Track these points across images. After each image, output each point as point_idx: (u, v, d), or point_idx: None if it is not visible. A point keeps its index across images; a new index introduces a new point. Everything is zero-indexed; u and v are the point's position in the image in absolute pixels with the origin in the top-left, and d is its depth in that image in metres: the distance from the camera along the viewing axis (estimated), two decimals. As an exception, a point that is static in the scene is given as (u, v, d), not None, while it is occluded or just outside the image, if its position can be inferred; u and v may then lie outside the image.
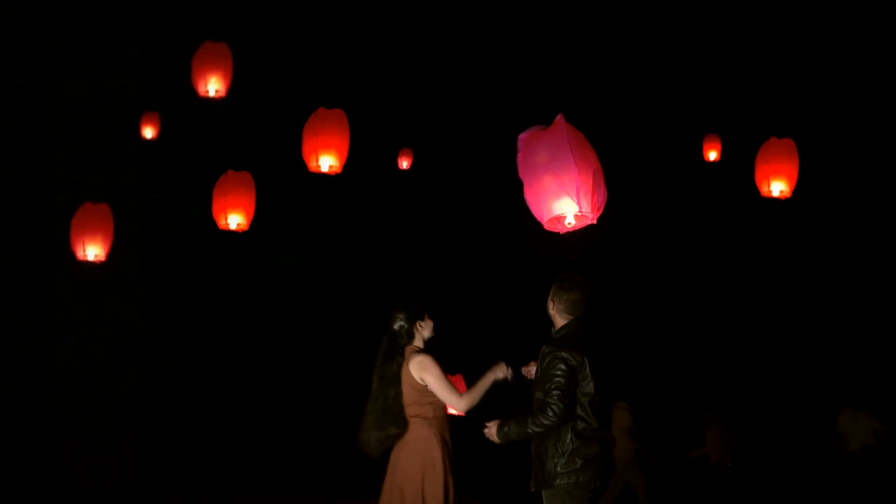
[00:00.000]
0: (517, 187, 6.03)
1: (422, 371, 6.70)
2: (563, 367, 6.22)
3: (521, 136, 5.93)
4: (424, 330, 6.91)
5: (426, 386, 6.73)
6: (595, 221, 5.93)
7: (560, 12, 15.47)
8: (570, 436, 6.23)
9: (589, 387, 6.26)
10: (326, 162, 8.83)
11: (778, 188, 9.52)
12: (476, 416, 6.92)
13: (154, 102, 12.29)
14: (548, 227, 6.11)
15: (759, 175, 9.62)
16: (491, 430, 6.46)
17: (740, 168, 11.48)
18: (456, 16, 15.65)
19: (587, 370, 6.25)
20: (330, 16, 15.95)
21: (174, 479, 15.89)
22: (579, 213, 5.81)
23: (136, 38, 14.16)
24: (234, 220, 9.46)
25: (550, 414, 6.17)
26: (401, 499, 6.70)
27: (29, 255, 14.54)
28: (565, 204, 5.72)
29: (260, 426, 17.11)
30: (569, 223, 6.01)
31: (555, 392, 6.20)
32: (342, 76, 15.37)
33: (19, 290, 14.77)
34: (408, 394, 6.78)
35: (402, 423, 6.73)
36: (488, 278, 16.55)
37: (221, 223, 9.49)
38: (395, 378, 6.75)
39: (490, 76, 16.38)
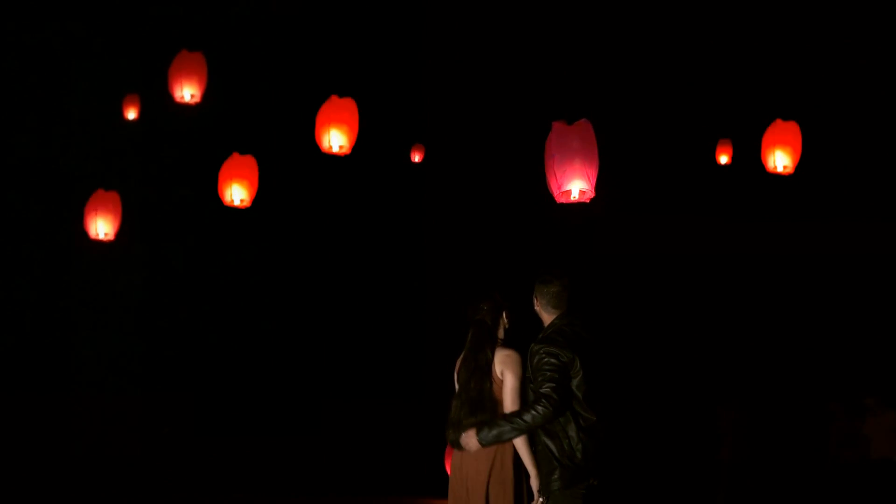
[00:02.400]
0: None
1: (504, 366, 6.17)
2: (553, 360, 5.94)
3: (555, 123, 6.96)
4: (507, 321, 6.42)
5: (503, 381, 6.21)
6: (588, 201, 7.08)
7: (564, 12, 15.12)
8: (576, 434, 5.93)
9: (582, 382, 5.98)
10: (337, 142, 9.19)
11: (782, 163, 9.85)
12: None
13: (157, 100, 12.34)
14: (557, 195, 7.08)
15: (765, 152, 9.97)
16: (468, 439, 6.05)
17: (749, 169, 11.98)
18: (464, 13, 15.36)
19: (578, 366, 5.98)
20: (341, 11, 15.81)
21: (173, 440, 16.34)
22: (585, 191, 6.97)
23: (142, 37, 14.59)
24: (238, 196, 9.66)
25: (545, 403, 5.83)
26: (466, 498, 6.19)
27: (48, 235, 15.80)
28: (581, 182, 6.93)
29: (255, 402, 17.21)
30: (574, 197, 7.04)
31: (548, 384, 5.89)
32: (354, 71, 15.25)
33: (39, 265, 15.98)
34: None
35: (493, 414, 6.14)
36: (485, 272, 16.25)
37: (227, 199, 9.72)
38: (487, 368, 6.18)
39: (495, 77, 16.13)
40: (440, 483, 12.77)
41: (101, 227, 10.77)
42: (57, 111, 15.60)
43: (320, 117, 9.28)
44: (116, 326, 16.38)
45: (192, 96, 9.60)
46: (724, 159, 14.09)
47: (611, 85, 15.80)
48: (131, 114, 13.11)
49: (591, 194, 7.01)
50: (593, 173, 6.94)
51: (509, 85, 15.99)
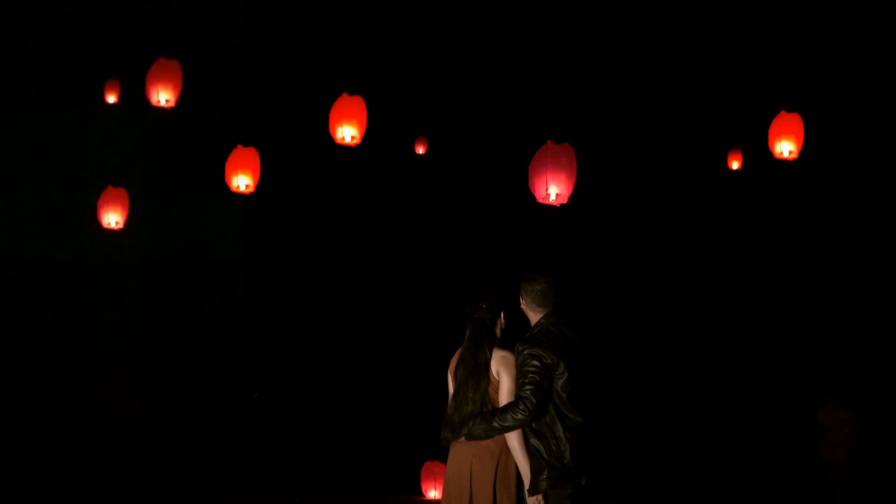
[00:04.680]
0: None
1: (501, 367, 5.76)
2: (536, 363, 5.65)
3: (549, 141, 8.24)
4: (504, 321, 6.02)
5: (499, 382, 5.83)
6: (558, 205, 8.40)
7: (559, 20, 14.83)
8: (563, 434, 5.65)
9: (567, 383, 5.68)
10: (349, 133, 9.78)
11: (787, 149, 10.27)
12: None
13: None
14: (541, 196, 8.33)
15: (771, 140, 10.42)
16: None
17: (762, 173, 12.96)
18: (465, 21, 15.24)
19: (562, 368, 5.68)
20: (347, 15, 15.96)
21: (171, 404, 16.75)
22: (561, 195, 8.29)
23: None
24: (243, 182, 10.16)
25: (522, 407, 5.57)
26: (468, 498, 5.76)
27: (67, 221, 16.73)
28: (561, 189, 8.25)
29: (255, 380, 17.46)
30: (551, 200, 8.30)
31: (528, 387, 5.60)
32: (359, 70, 15.31)
33: (58, 245, 16.87)
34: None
35: None
36: (476, 259, 16.02)
37: (233, 186, 10.24)
38: (486, 368, 5.77)
39: (491, 81, 16.00)
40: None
41: (112, 217, 11.53)
42: (73, 122, 16.56)
43: (333, 112, 9.83)
44: (123, 300, 17.30)
45: (168, 101, 9.95)
46: (735, 165, 14.44)
47: (610, 89, 15.55)
48: (111, 98, 13.68)
49: (564, 200, 8.30)
50: (571, 184, 8.25)
51: (505, 90, 15.93)
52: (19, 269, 16.55)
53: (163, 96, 9.77)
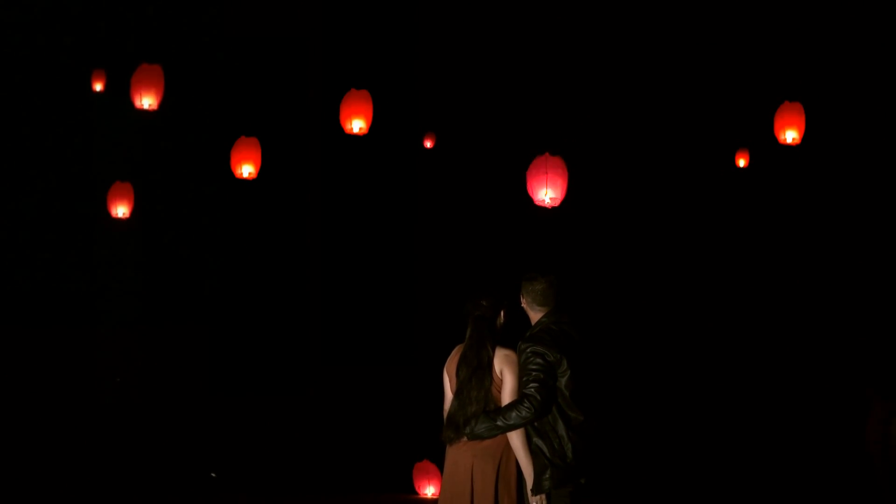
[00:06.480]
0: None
1: (504, 365, 5.52)
2: (540, 360, 5.47)
3: (547, 153, 9.31)
4: (503, 318, 5.78)
5: (502, 380, 5.61)
6: (550, 207, 9.43)
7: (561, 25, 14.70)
8: (566, 433, 5.50)
9: (570, 381, 5.53)
10: (357, 125, 10.45)
11: (791, 137, 10.67)
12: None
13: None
14: (539, 199, 9.35)
15: (777, 127, 10.87)
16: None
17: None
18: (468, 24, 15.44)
19: (566, 365, 5.52)
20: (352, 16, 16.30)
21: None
22: (555, 199, 9.32)
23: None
24: (246, 170, 10.76)
25: (527, 405, 5.38)
26: (468, 499, 5.55)
27: (79, 211, 17.54)
28: (556, 192, 9.30)
29: (253, 364, 17.27)
30: (547, 203, 9.35)
31: (533, 384, 5.43)
32: (364, 67, 15.38)
33: (71, 233, 17.73)
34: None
35: None
36: (475, 251, 16.02)
37: (237, 173, 10.89)
38: (489, 366, 5.52)
39: (494, 84, 15.94)
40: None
41: (120, 209, 12.47)
42: (83, 125, 17.29)
43: (343, 106, 10.50)
44: (130, 278, 17.86)
45: (150, 105, 10.30)
46: (742, 163, 14.65)
47: (610, 89, 15.50)
48: (98, 86, 14.27)
49: (557, 203, 9.34)
50: (564, 190, 9.32)
51: (506, 91, 15.89)
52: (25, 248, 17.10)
53: (146, 101, 10.17)
